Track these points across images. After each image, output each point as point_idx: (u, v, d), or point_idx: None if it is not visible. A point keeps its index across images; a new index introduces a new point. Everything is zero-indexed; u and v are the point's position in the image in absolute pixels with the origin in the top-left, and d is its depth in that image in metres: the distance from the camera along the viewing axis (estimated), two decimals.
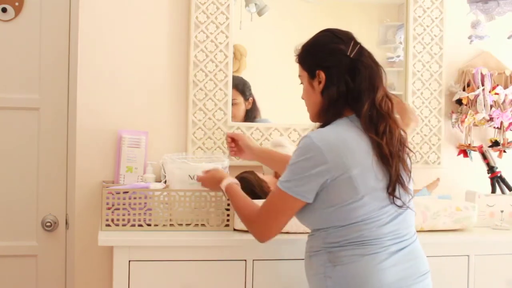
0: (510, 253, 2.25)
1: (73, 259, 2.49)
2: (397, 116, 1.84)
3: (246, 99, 2.61)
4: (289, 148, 2.34)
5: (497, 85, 2.67)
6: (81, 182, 2.40)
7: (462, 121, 2.65)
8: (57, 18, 2.53)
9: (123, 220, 2.09)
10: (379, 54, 2.78)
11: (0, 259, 2.53)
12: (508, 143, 2.70)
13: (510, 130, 2.71)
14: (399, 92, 2.67)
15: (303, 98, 1.86)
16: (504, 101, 2.66)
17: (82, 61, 2.41)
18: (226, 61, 2.49)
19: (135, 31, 2.44)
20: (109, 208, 2.09)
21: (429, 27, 2.66)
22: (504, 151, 2.71)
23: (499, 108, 2.66)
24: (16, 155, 2.53)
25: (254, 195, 2.15)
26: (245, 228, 2.10)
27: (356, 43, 1.77)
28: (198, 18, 2.46)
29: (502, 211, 2.43)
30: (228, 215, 2.14)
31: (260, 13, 2.57)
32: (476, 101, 2.64)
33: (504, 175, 2.60)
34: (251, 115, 2.62)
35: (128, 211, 2.09)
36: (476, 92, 2.63)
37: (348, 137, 1.69)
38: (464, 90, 2.67)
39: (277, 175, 2.30)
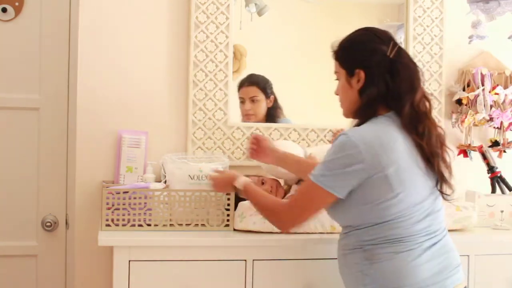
0: (510, 253, 2.25)
1: (73, 259, 2.49)
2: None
3: (267, 97, 2.61)
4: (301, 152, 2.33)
5: (497, 85, 2.67)
6: (81, 182, 2.40)
7: (462, 121, 2.65)
8: (57, 18, 2.53)
9: (123, 220, 2.09)
10: None
11: (0, 259, 2.53)
12: (508, 143, 2.70)
13: (510, 130, 2.71)
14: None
15: (337, 94, 1.88)
16: (504, 101, 2.66)
17: (82, 61, 2.41)
18: (226, 61, 2.48)
19: (135, 31, 2.44)
20: (109, 208, 2.09)
21: (429, 27, 2.66)
22: (504, 151, 2.71)
23: (499, 108, 2.66)
24: (16, 155, 2.53)
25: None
26: (245, 228, 2.10)
27: (395, 43, 1.79)
28: (198, 18, 2.46)
29: (502, 211, 2.43)
30: (228, 215, 2.14)
31: (260, 13, 2.57)
32: (476, 101, 2.64)
33: (504, 175, 2.59)
34: (273, 113, 2.62)
35: (128, 211, 2.09)
36: (476, 92, 2.63)
37: (385, 136, 1.71)
38: (464, 90, 2.67)
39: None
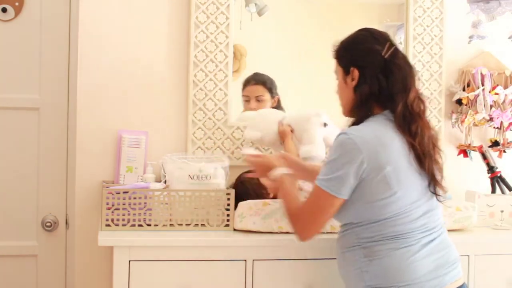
0: (510, 253, 2.25)
1: (73, 259, 2.49)
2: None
3: (272, 97, 2.60)
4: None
5: (497, 85, 2.67)
6: (81, 182, 2.40)
7: (462, 121, 2.65)
8: (57, 18, 2.53)
9: (123, 220, 2.09)
10: None
11: (0, 259, 2.53)
12: (508, 143, 2.70)
13: (510, 130, 2.71)
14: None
15: (337, 93, 1.93)
16: (504, 101, 2.66)
17: (82, 61, 2.41)
18: (226, 61, 2.48)
19: (135, 31, 2.44)
20: (109, 208, 2.09)
21: (429, 27, 2.66)
22: (504, 151, 2.71)
23: (499, 108, 2.65)
24: (16, 155, 2.53)
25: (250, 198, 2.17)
26: (245, 228, 2.11)
27: (392, 44, 1.83)
28: (198, 18, 2.46)
29: (502, 211, 2.43)
30: (228, 215, 2.14)
31: (260, 13, 2.57)
32: (476, 101, 2.64)
33: (504, 175, 2.59)
34: None
35: (128, 211, 2.10)
36: (476, 92, 2.63)
37: (383, 135, 1.76)
38: (464, 90, 2.67)
39: None
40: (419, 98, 1.83)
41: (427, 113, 1.87)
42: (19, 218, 2.54)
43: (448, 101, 2.71)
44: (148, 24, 2.45)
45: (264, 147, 2.49)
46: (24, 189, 2.54)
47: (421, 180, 1.79)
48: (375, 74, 1.80)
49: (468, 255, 2.18)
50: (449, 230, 2.21)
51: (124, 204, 2.10)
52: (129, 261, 1.98)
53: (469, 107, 2.65)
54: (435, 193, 1.81)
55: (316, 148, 2.22)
